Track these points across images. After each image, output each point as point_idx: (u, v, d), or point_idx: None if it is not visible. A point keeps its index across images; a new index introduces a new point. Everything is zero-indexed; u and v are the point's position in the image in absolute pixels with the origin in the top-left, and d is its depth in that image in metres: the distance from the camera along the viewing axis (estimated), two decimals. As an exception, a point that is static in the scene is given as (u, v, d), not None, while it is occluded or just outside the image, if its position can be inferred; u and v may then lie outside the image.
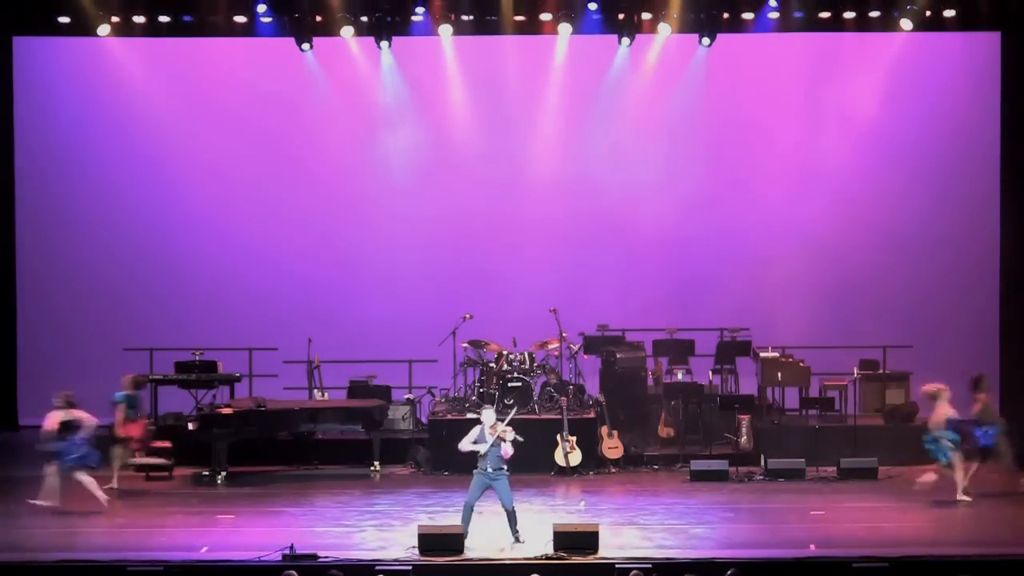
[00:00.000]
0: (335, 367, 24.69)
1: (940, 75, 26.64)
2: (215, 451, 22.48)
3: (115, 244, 26.68)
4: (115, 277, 26.67)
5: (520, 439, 18.50)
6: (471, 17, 25.57)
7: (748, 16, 25.48)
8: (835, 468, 22.52)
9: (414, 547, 17.94)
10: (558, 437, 22.86)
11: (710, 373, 24.92)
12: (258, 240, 26.77)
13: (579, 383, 24.42)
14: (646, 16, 25.59)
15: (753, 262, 26.49)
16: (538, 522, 18.92)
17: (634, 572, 16.59)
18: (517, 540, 18.24)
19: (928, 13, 25.24)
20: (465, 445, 18.52)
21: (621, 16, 25.56)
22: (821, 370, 24.37)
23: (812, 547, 18.03)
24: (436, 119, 26.72)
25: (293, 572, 16.38)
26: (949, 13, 25.25)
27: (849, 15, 25.31)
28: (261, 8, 25.21)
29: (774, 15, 25.37)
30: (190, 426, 22.83)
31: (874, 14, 25.32)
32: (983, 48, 26.52)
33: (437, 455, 23.06)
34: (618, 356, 24.23)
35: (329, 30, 25.56)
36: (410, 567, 17.23)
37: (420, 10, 25.35)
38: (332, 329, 25.79)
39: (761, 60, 26.54)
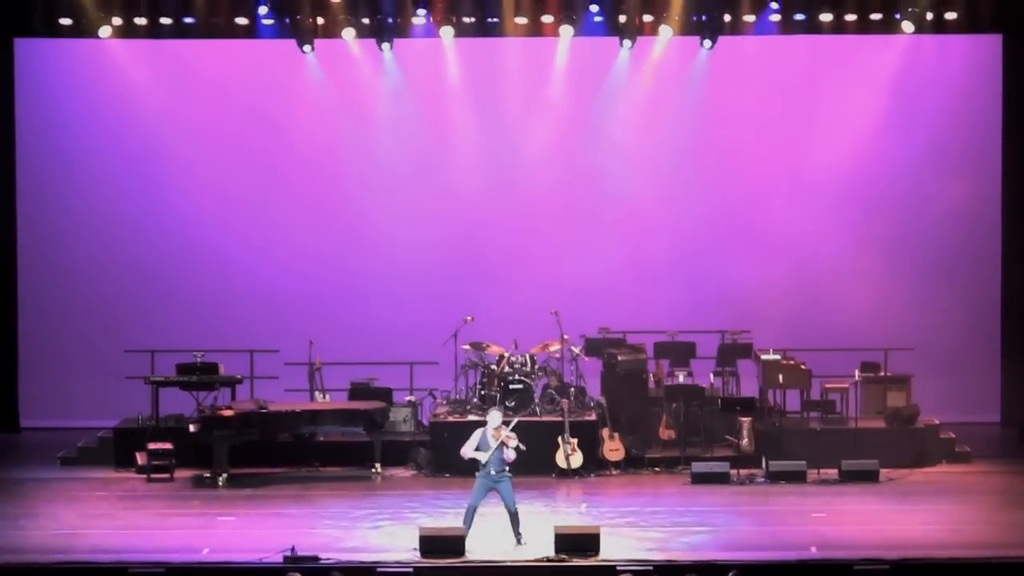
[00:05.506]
0: (336, 369, 24.66)
1: (942, 77, 26.60)
2: (216, 453, 22.48)
3: (116, 245, 26.66)
4: (116, 279, 26.65)
5: (523, 448, 18.48)
6: (472, 19, 25.57)
7: (749, 19, 25.50)
8: (836, 470, 22.49)
9: (415, 549, 17.95)
10: (559, 439, 22.85)
11: (711, 375, 24.88)
12: (259, 242, 26.75)
13: (580, 385, 24.38)
14: (647, 18, 25.61)
15: (754, 264, 26.46)
16: (539, 524, 18.91)
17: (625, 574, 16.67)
18: (519, 542, 18.24)
19: (929, 16, 25.25)
20: (467, 452, 18.48)
21: (622, 18, 25.56)
22: (822, 372, 24.36)
23: (813, 549, 18.04)
24: (437, 121, 26.71)
25: (297, 574, 16.42)
26: (951, 15, 25.25)
27: (850, 18, 25.31)
28: (262, 10, 25.23)
29: (775, 17, 25.39)
30: (191, 428, 22.83)
31: (875, 17, 25.33)
32: (985, 50, 26.50)
33: (438, 457, 23.05)
34: (619, 358, 24.20)
35: (330, 32, 25.58)
36: (411, 569, 17.24)
37: (421, 12, 25.37)
38: (333, 331, 25.75)
39: (762, 63, 26.52)
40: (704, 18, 25.50)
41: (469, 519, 18.33)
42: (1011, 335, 26.44)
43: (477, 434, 18.49)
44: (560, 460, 22.84)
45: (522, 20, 25.44)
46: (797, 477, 22.38)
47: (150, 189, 26.70)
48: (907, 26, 25.37)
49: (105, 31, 25.31)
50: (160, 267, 26.66)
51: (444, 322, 24.51)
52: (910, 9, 25.22)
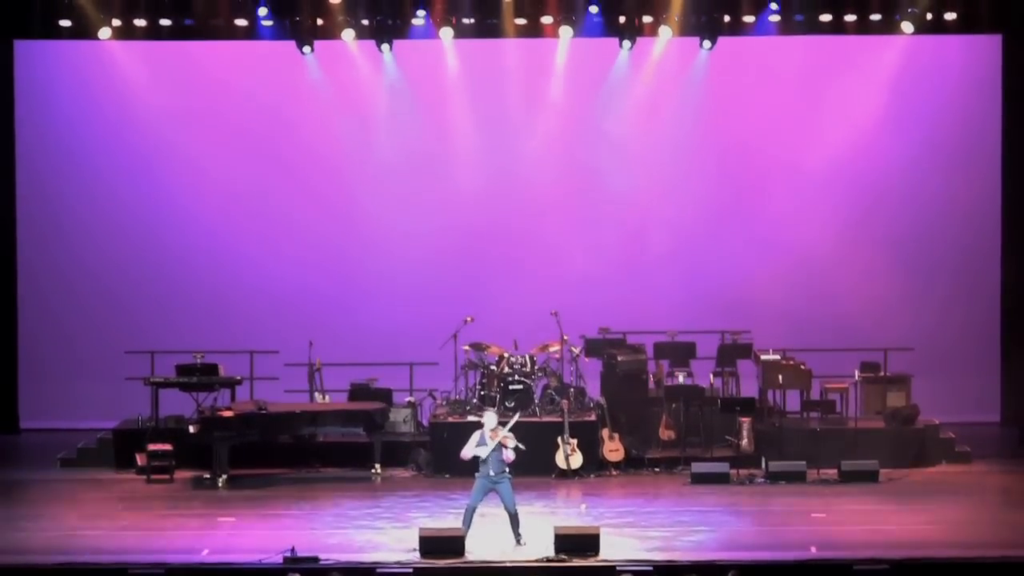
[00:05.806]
0: (336, 370, 24.67)
1: (941, 78, 26.62)
2: (216, 454, 22.49)
3: (116, 247, 26.69)
4: (116, 280, 26.67)
5: (522, 447, 18.47)
6: (472, 20, 25.57)
7: (749, 19, 25.49)
8: (836, 470, 22.50)
9: (415, 549, 17.95)
10: (559, 440, 22.85)
11: (711, 376, 24.88)
12: (259, 242, 26.77)
13: (580, 386, 24.39)
14: (647, 19, 25.60)
15: (754, 264, 26.48)
16: (539, 525, 18.91)
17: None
18: (519, 543, 18.24)
19: (929, 16, 25.25)
20: (468, 452, 18.48)
21: (622, 19, 25.57)
22: (822, 372, 24.37)
23: (813, 549, 18.03)
24: (437, 122, 26.72)
25: (297, 575, 16.42)
26: (950, 16, 25.25)
27: (850, 18, 25.31)
28: (262, 11, 25.22)
29: (775, 18, 25.39)
30: (191, 429, 22.83)
31: (875, 17, 25.32)
32: (984, 51, 26.51)
33: (438, 458, 23.05)
34: (619, 359, 24.21)
35: (330, 33, 25.58)
36: (411, 570, 17.24)
37: (421, 13, 25.37)
38: (333, 332, 25.77)
39: (762, 63, 26.54)
40: (703, 19, 25.50)
41: (468, 520, 18.32)
42: (1011, 335, 26.45)
43: (475, 436, 18.47)
44: (560, 461, 22.85)
45: (521, 21, 25.45)
46: (797, 477, 22.38)
47: (149, 191, 26.71)
48: (907, 26, 25.36)
49: (105, 33, 25.30)
50: (160, 268, 26.68)
51: (444, 323, 24.51)
52: (909, 10, 25.21)
